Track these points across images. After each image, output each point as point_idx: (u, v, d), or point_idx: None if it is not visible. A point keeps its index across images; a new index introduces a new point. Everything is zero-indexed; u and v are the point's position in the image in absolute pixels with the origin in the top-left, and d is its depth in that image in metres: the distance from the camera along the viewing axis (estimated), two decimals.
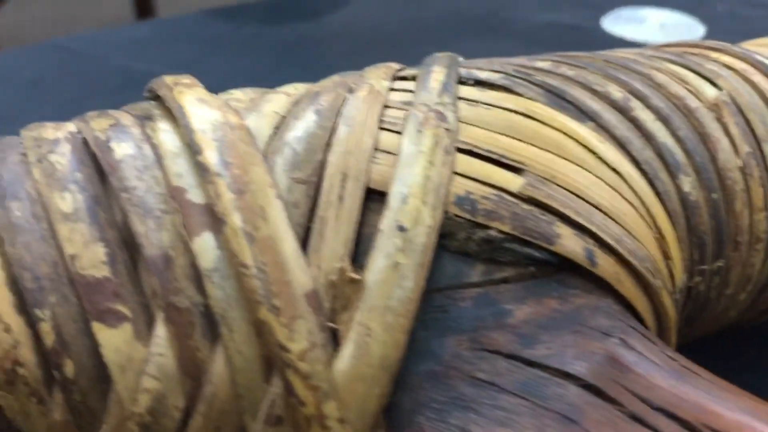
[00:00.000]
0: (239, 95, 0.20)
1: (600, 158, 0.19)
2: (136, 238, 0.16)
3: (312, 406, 0.15)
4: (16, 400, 0.16)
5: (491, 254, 0.18)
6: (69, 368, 0.16)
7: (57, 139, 0.18)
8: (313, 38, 0.54)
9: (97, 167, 0.17)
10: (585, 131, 0.20)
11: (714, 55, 0.24)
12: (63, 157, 0.17)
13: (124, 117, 0.18)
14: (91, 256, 0.16)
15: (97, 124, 0.18)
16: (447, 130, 0.18)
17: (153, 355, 0.16)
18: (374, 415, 0.16)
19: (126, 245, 0.16)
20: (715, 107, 0.22)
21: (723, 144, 0.21)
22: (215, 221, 0.16)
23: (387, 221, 0.17)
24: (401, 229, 0.17)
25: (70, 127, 0.18)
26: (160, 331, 0.16)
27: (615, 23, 0.56)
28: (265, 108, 0.19)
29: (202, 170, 0.16)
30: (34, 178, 0.17)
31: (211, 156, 0.17)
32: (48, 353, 0.16)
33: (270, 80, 0.22)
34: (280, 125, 0.18)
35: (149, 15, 1.25)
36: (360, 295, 0.16)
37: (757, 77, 0.23)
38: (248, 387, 0.16)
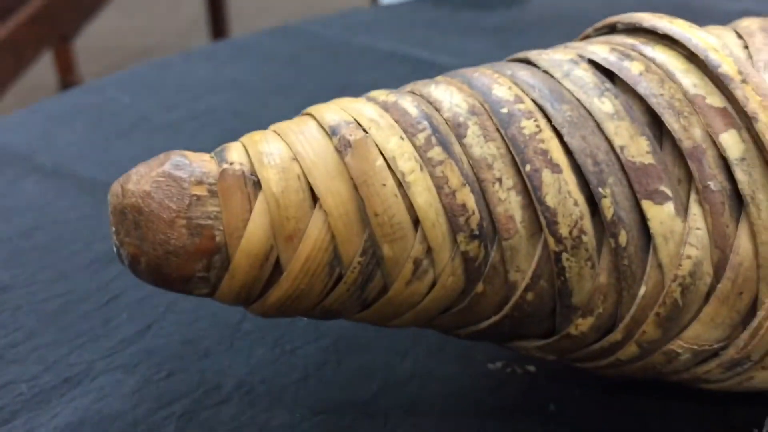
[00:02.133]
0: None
1: None
2: (673, 133, 0.19)
3: None
4: (576, 262, 0.19)
5: None
6: (622, 237, 0.19)
7: (573, 59, 0.21)
8: (520, 23, 0.58)
9: (612, 81, 0.21)
10: None
11: None
12: (585, 73, 0.21)
13: (607, 46, 0.22)
14: (638, 147, 0.19)
15: (598, 49, 0.21)
16: None
17: (692, 229, 0.19)
18: None
19: (662, 140, 0.20)
20: None
21: None
22: (741, 120, 0.19)
23: None
24: None
25: (567, 52, 0.22)
26: (695, 209, 0.19)
27: None
28: (723, 38, 0.22)
29: (723, 79, 0.20)
30: (567, 88, 0.20)
31: (731, 68, 0.20)
32: (606, 224, 0.19)
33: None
34: (750, 53, 0.21)
35: (222, 22, 1.33)
36: None
37: None
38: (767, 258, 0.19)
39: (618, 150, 0.19)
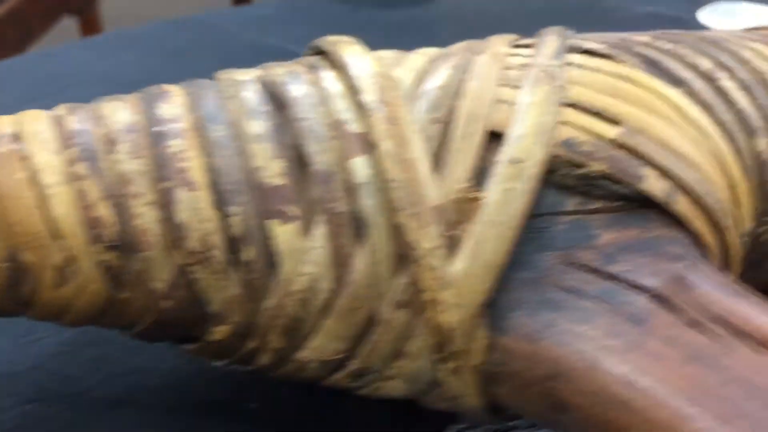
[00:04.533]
0: (387, 54, 0.24)
1: (686, 117, 0.23)
2: (307, 157, 0.21)
3: (431, 293, 0.20)
4: (208, 275, 0.21)
5: (586, 188, 0.21)
6: (250, 253, 0.20)
7: (246, 81, 0.22)
8: (421, 22, 0.58)
9: (277, 103, 0.22)
10: (675, 94, 0.23)
11: None
12: (252, 94, 0.22)
13: (297, 67, 0.23)
14: (273, 169, 0.21)
15: (276, 71, 0.23)
16: (556, 87, 0.22)
17: (313, 248, 0.20)
18: (479, 307, 0.20)
19: (298, 162, 0.21)
20: None
21: None
22: (369, 146, 0.20)
23: (504, 155, 0.21)
24: (516, 161, 0.21)
25: (255, 72, 0.23)
26: (319, 229, 0.20)
27: (711, 16, 0.58)
28: (408, 64, 0.23)
29: (361, 107, 0.21)
30: (229, 108, 0.22)
31: (369, 96, 0.21)
32: (236, 240, 0.20)
33: None
34: (421, 77, 0.22)
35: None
36: (478, 211, 0.20)
37: None
38: (382, 277, 0.20)
39: (253, 171, 0.21)
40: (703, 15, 0.58)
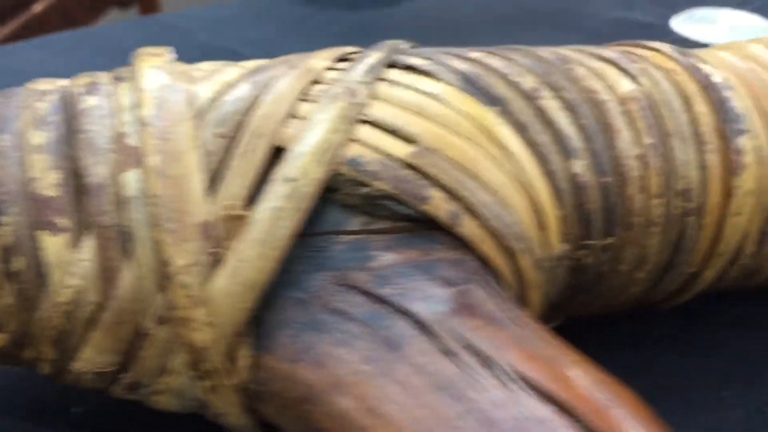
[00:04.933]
0: (205, 66, 0.24)
1: (491, 138, 0.22)
2: (83, 169, 0.21)
3: (184, 310, 0.20)
4: None
5: (370, 208, 0.21)
6: (20, 263, 0.20)
7: (46, 91, 0.22)
8: (385, 25, 0.58)
9: (68, 114, 0.22)
10: (485, 114, 0.23)
11: (649, 54, 0.26)
12: (46, 104, 0.22)
13: (104, 77, 0.23)
14: (47, 180, 0.21)
15: (80, 81, 0.23)
16: (354, 104, 0.22)
17: (80, 260, 0.20)
18: (238, 325, 0.20)
19: (75, 174, 0.21)
20: (624, 101, 0.24)
21: (624, 134, 0.23)
22: (140, 160, 0.20)
23: (279, 172, 0.20)
24: (289, 179, 0.20)
25: (63, 83, 0.23)
26: (88, 242, 0.20)
27: (684, 23, 0.56)
28: (217, 77, 0.23)
29: (140, 121, 0.21)
30: (21, 118, 0.22)
31: (148, 110, 0.21)
32: (6, 250, 0.21)
33: None
34: (223, 91, 0.22)
35: None
36: (244, 229, 0.20)
37: (682, 77, 0.25)
38: (147, 292, 0.20)
39: (29, 181, 0.21)
40: (677, 23, 0.56)
